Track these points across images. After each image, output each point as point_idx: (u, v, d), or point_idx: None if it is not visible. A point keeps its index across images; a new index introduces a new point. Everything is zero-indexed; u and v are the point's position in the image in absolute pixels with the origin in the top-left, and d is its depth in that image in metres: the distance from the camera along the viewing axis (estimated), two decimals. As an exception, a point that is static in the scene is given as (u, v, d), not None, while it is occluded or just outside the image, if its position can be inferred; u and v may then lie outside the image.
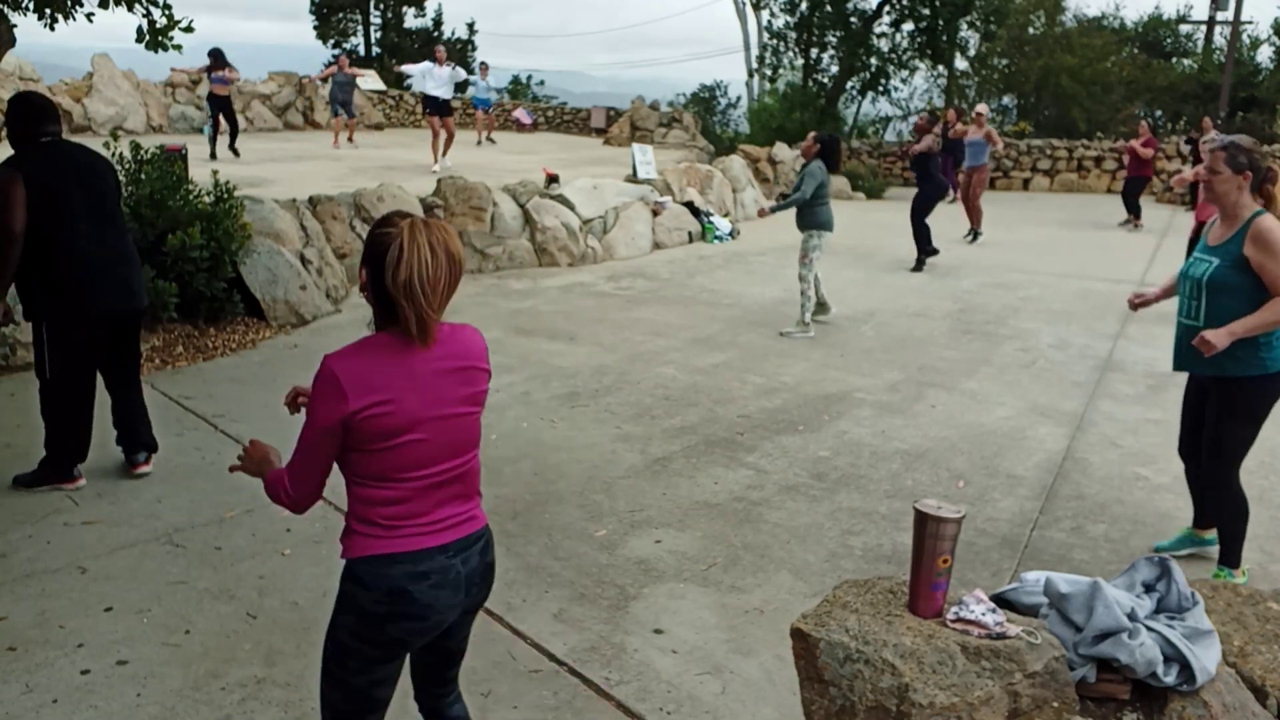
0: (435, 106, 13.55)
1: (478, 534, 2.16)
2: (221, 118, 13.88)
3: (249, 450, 2.23)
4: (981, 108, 13.87)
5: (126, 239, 4.53)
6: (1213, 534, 4.04)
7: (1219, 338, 3.50)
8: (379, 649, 2.08)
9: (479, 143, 17.99)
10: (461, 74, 14.62)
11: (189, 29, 5.71)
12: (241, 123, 18.64)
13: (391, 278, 1.92)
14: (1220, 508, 3.84)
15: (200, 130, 13.93)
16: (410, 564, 2.03)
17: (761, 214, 8.28)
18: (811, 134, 8.29)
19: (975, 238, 12.69)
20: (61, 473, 4.51)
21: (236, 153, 13.73)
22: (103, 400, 4.62)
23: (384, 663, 2.11)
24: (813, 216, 7.73)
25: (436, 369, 2.04)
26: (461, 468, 2.12)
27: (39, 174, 4.13)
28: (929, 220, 10.71)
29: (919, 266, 10.58)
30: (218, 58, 13.82)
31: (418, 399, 2.01)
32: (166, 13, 5.61)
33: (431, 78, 13.47)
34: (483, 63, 19.74)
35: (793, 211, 7.86)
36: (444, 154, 13.44)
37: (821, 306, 8.07)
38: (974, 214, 12.70)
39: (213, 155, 13.31)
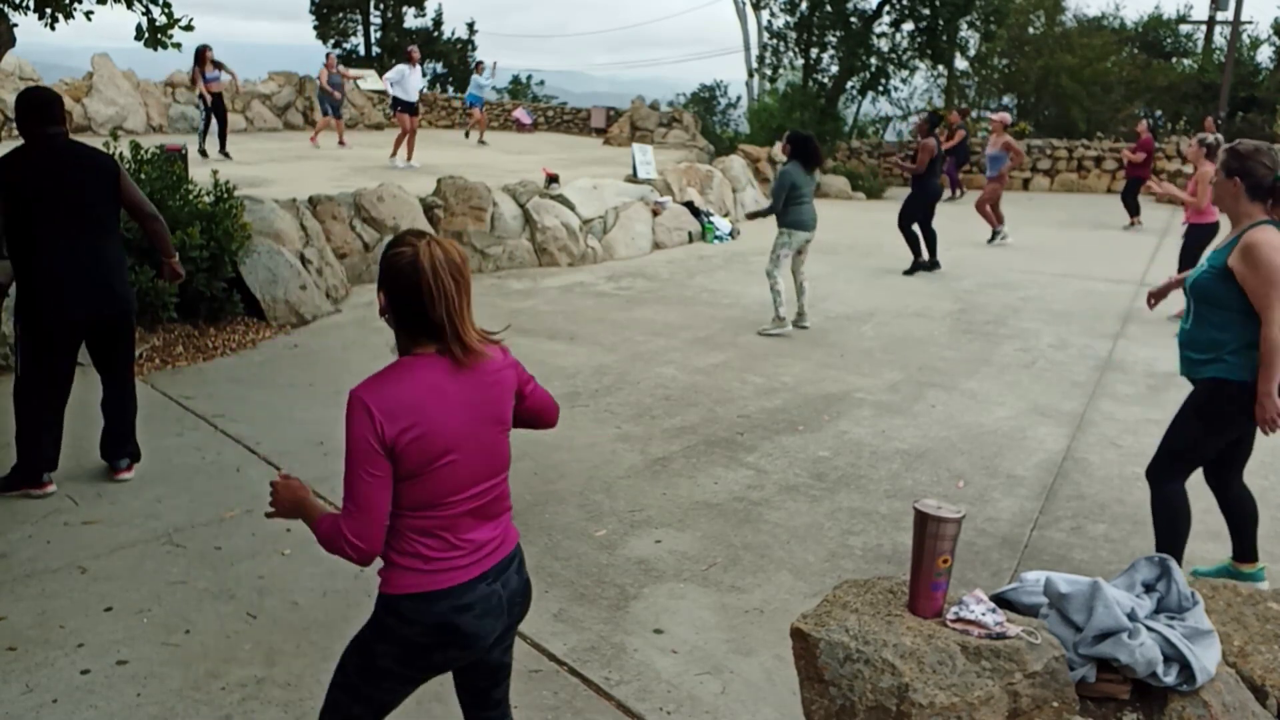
0: (407, 107, 13.62)
1: (513, 554, 2.17)
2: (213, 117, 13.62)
3: (278, 489, 2.08)
4: (1002, 116, 13.49)
5: (110, 243, 4.33)
6: (1254, 568, 3.80)
7: (1268, 401, 3.35)
8: (422, 673, 2.11)
9: (479, 140, 17.99)
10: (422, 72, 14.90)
11: (189, 27, 5.71)
12: (241, 122, 18.69)
13: (428, 312, 1.96)
14: (1154, 507, 3.70)
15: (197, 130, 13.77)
16: (453, 599, 2.03)
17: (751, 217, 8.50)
18: (786, 133, 8.12)
19: (995, 238, 12.42)
20: (29, 478, 4.35)
21: (227, 154, 13.54)
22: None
23: (421, 683, 2.14)
24: (784, 215, 7.72)
25: (468, 387, 2.03)
26: (496, 489, 2.12)
27: (9, 175, 4.06)
28: (935, 226, 10.48)
29: (912, 270, 10.33)
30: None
31: (452, 420, 1.99)
32: (166, 11, 5.60)
33: (406, 80, 13.53)
34: (479, 61, 19.69)
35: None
36: (409, 155, 13.53)
37: (800, 314, 7.94)
38: (986, 218, 12.48)
39: (202, 152, 13.26)
